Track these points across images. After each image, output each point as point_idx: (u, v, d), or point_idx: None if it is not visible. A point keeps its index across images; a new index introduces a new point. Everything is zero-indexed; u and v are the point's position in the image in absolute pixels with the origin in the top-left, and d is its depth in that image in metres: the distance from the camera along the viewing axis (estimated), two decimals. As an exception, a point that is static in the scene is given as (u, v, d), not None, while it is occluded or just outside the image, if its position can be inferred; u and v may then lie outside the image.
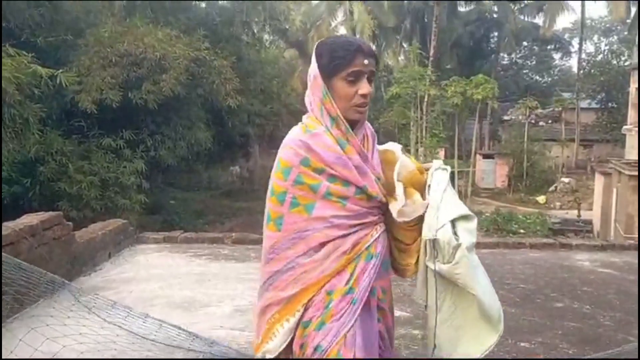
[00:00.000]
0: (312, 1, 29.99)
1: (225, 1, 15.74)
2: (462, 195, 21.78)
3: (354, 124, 1.69)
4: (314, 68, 1.69)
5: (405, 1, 30.53)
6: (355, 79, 1.64)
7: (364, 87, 1.64)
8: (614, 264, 5.82)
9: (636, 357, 3.22)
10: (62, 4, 11.35)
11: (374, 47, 34.15)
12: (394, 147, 1.88)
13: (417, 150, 20.86)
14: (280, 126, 21.93)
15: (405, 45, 31.58)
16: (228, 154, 21.31)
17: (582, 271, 5.53)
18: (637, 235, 11.05)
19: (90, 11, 12.17)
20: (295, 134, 1.71)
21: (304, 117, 1.76)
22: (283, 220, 1.66)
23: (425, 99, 21.52)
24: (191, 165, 17.12)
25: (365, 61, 1.64)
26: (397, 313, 4.17)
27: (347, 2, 28.76)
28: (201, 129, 13.37)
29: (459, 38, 32.12)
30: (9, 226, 3.82)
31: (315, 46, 1.74)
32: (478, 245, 5.77)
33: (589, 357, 3.35)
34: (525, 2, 33.61)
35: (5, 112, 8.79)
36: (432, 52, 24.78)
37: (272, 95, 19.06)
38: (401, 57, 32.78)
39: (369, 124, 1.83)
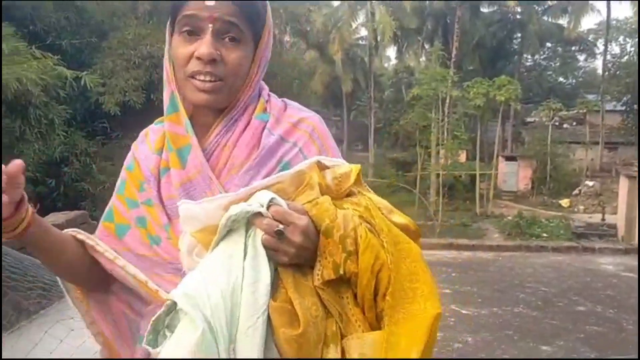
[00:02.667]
0: (334, 2, 30.05)
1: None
2: (483, 199, 21.59)
3: (216, 115, 1.06)
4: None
5: (427, 1, 30.36)
6: (192, 32, 1.00)
7: (203, 46, 0.98)
8: (637, 268, 5.72)
9: (636, 357, 3.18)
10: (86, 8, 11.55)
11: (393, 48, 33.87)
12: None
13: (437, 152, 20.72)
14: (300, 128, 22.03)
15: (426, 46, 31.44)
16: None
17: (605, 275, 5.44)
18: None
19: (115, 14, 12.36)
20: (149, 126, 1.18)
21: None
22: (99, 226, 1.18)
23: (447, 101, 21.38)
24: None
25: (209, 2, 0.98)
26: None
27: (368, 3, 28.73)
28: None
29: (482, 39, 31.84)
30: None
31: None
32: (499, 249, 5.78)
33: (589, 357, 3.30)
34: (550, 2, 33.19)
35: (31, 112, 8.99)
36: (454, 53, 24.62)
37: (292, 97, 19.12)
38: (422, 59, 32.63)
39: (289, 112, 1.16)
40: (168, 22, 1.07)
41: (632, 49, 35.80)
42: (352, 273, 0.91)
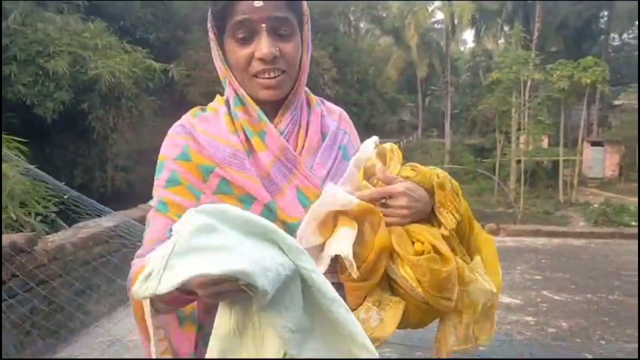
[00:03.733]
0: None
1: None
2: (567, 186, 20.71)
3: (274, 106, 1.12)
4: (209, 27, 1.12)
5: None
6: (247, 36, 1.05)
7: (262, 46, 1.04)
8: None
9: (636, 357, 3.02)
10: (172, 2, 12.04)
11: (472, 32, 32.97)
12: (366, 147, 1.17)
13: (518, 137, 20.05)
14: (375, 115, 21.96)
15: (506, 28, 30.35)
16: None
17: None
18: None
19: (197, 7, 12.81)
20: (182, 118, 1.16)
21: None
22: (147, 229, 1.10)
23: (529, 84, 20.60)
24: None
25: (257, 3, 1.03)
26: (507, 300, 4.12)
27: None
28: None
29: (565, 19, 30.32)
30: (144, 208, 4.17)
31: None
32: (591, 235, 5.55)
33: (589, 357, 3.15)
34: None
35: (123, 104, 9.53)
36: (535, 34, 23.61)
37: (367, 84, 19.14)
38: (502, 41, 31.55)
39: (327, 105, 1.25)
40: (210, 27, 1.11)
41: None
42: (462, 215, 1.12)
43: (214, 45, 1.11)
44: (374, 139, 1.20)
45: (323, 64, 12.83)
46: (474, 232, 1.18)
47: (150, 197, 1.13)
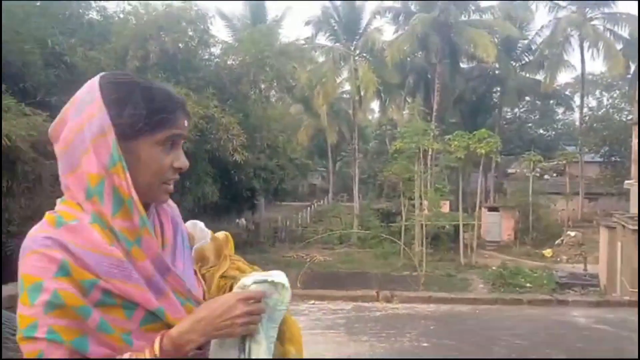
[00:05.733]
0: (319, 58, 30.92)
1: (233, 62, 16.34)
2: (467, 249, 21.76)
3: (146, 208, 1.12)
4: (99, 117, 1.08)
5: (409, 58, 31.34)
6: (171, 146, 1.13)
7: (183, 158, 1.15)
8: (609, 320, 5.90)
9: (636, 357, 3.24)
10: (76, 64, 11.89)
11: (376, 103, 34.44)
12: (197, 231, 1.36)
13: (420, 203, 20.99)
14: (285, 180, 22.30)
15: (409, 100, 32.27)
16: (234, 206, 21.59)
17: (577, 327, 5.61)
18: None
19: (103, 70, 12.67)
20: (36, 229, 1.06)
21: (58, 203, 1.13)
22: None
23: (430, 153, 21.84)
24: (197, 218, 17.33)
25: (186, 122, 1.17)
26: None
27: (352, 60, 29.60)
28: (208, 183, 13.70)
29: (462, 93, 32.80)
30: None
31: (99, 81, 1.14)
32: (477, 302, 5.94)
33: (589, 357, 3.39)
34: (526, 59, 34.41)
35: (19, 168, 9.13)
36: (435, 107, 25.31)
37: (278, 149, 19.52)
38: (405, 112, 33.43)
39: (169, 202, 1.26)
40: (111, 122, 1.07)
41: (609, 101, 37.02)
42: None
43: (111, 142, 1.06)
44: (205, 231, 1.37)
45: (232, 129, 13.01)
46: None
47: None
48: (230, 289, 1.21)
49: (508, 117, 40.79)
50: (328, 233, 22.91)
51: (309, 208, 34.69)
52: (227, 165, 14.88)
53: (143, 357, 1.03)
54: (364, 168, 34.93)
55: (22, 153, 8.76)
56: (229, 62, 16.56)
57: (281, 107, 25.58)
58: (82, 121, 1.08)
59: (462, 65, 33.19)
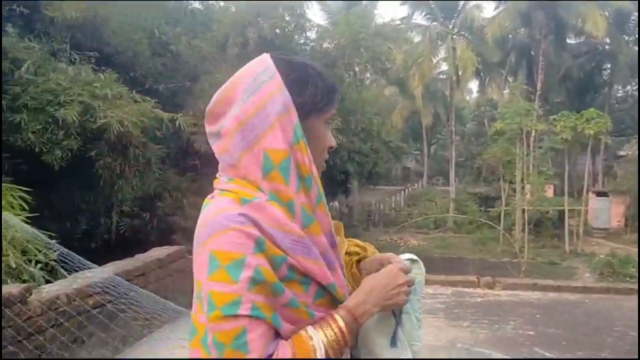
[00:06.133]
0: (415, 38, 30.30)
1: (329, 46, 16.38)
2: (573, 236, 20.62)
3: None
4: (282, 95, 1.08)
5: (510, 35, 29.92)
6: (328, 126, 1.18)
7: (333, 138, 1.20)
8: None
9: (636, 357, 3.03)
10: (181, 53, 12.44)
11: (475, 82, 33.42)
12: None
13: (522, 187, 20.12)
14: (379, 163, 22.16)
15: (510, 79, 30.87)
16: (328, 190, 21.69)
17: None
18: None
19: (206, 58, 13.19)
20: (224, 207, 1.06)
21: (221, 181, 1.15)
22: (236, 341, 0.97)
23: (532, 134, 20.82)
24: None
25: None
26: (498, 356, 4.13)
27: (449, 39, 28.72)
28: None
29: (569, 71, 30.84)
30: (139, 259, 4.28)
31: (278, 62, 1.12)
32: (586, 290, 5.60)
33: (589, 357, 3.16)
34: None
35: (130, 152, 9.73)
36: (539, 85, 24.03)
37: (372, 132, 19.42)
38: (506, 91, 32.05)
39: None
40: (300, 113, 1.09)
41: None
42: None
43: (295, 120, 1.08)
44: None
45: (328, 113, 13.11)
46: None
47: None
48: (356, 264, 1.32)
49: (619, 95, 37.87)
50: (423, 217, 22.56)
51: (402, 192, 34.32)
52: (323, 150, 15.03)
53: (331, 330, 1.06)
54: (460, 150, 33.95)
55: (133, 138, 9.30)
56: (324, 46, 16.61)
57: (375, 89, 25.38)
58: (261, 99, 1.08)
59: (568, 41, 31.17)
